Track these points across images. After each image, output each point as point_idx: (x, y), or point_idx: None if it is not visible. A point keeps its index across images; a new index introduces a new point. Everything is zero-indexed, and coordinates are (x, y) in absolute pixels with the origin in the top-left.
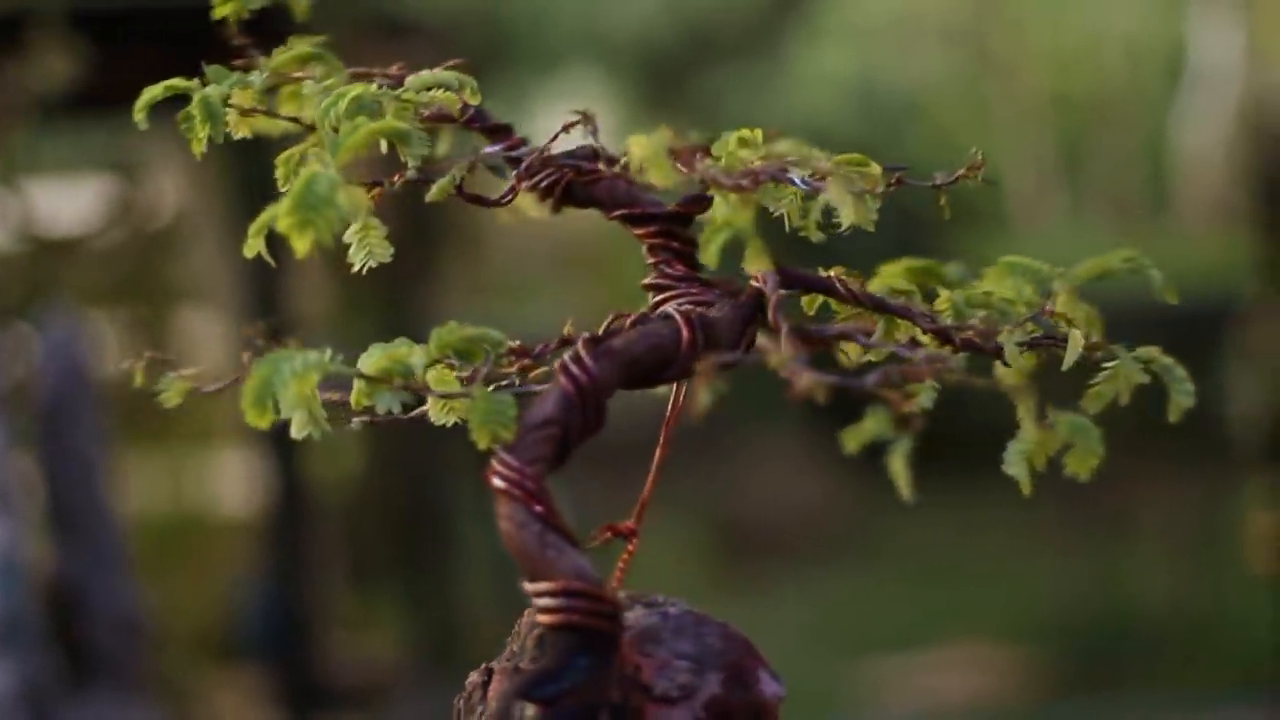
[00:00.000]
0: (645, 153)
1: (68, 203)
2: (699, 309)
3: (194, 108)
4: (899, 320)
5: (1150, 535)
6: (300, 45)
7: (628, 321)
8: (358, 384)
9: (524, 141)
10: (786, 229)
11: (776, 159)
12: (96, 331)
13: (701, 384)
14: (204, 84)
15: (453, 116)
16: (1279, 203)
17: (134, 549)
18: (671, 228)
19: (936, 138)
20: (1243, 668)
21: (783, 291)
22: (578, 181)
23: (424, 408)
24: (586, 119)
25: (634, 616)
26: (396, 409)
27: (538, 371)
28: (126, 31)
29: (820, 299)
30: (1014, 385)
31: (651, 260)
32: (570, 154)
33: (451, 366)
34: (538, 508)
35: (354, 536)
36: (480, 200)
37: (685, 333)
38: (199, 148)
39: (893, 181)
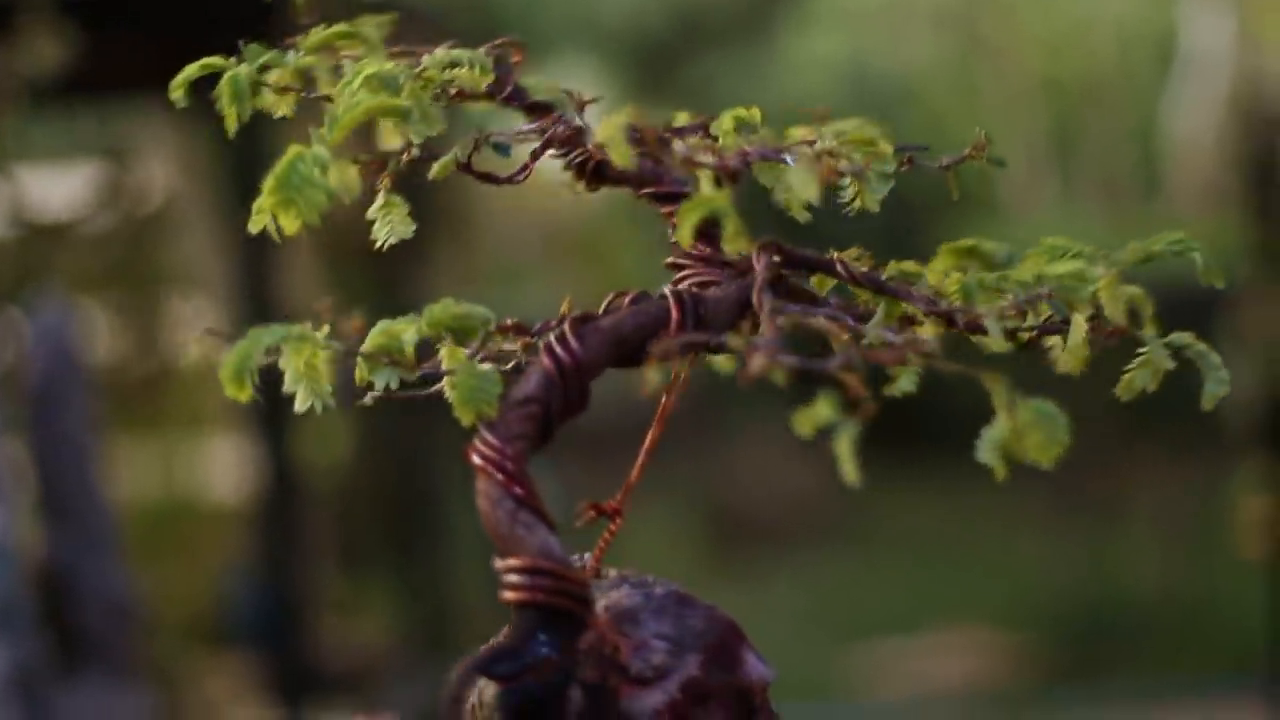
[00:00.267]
0: (606, 133)
1: (58, 188)
2: (694, 289)
3: (222, 86)
4: (900, 303)
5: (1142, 520)
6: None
7: (625, 301)
8: (360, 362)
9: (562, 120)
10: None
11: (770, 140)
12: (87, 317)
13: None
14: (240, 63)
15: (489, 94)
16: (1270, 187)
17: (125, 535)
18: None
19: (928, 122)
20: (1234, 652)
21: (785, 272)
22: (607, 160)
23: (431, 388)
24: (593, 100)
25: (618, 596)
26: (395, 385)
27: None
28: (116, 17)
29: (833, 282)
30: (989, 371)
31: (674, 239)
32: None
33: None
34: (512, 485)
35: (345, 522)
36: (491, 178)
37: (674, 312)
38: (231, 124)
39: (905, 161)
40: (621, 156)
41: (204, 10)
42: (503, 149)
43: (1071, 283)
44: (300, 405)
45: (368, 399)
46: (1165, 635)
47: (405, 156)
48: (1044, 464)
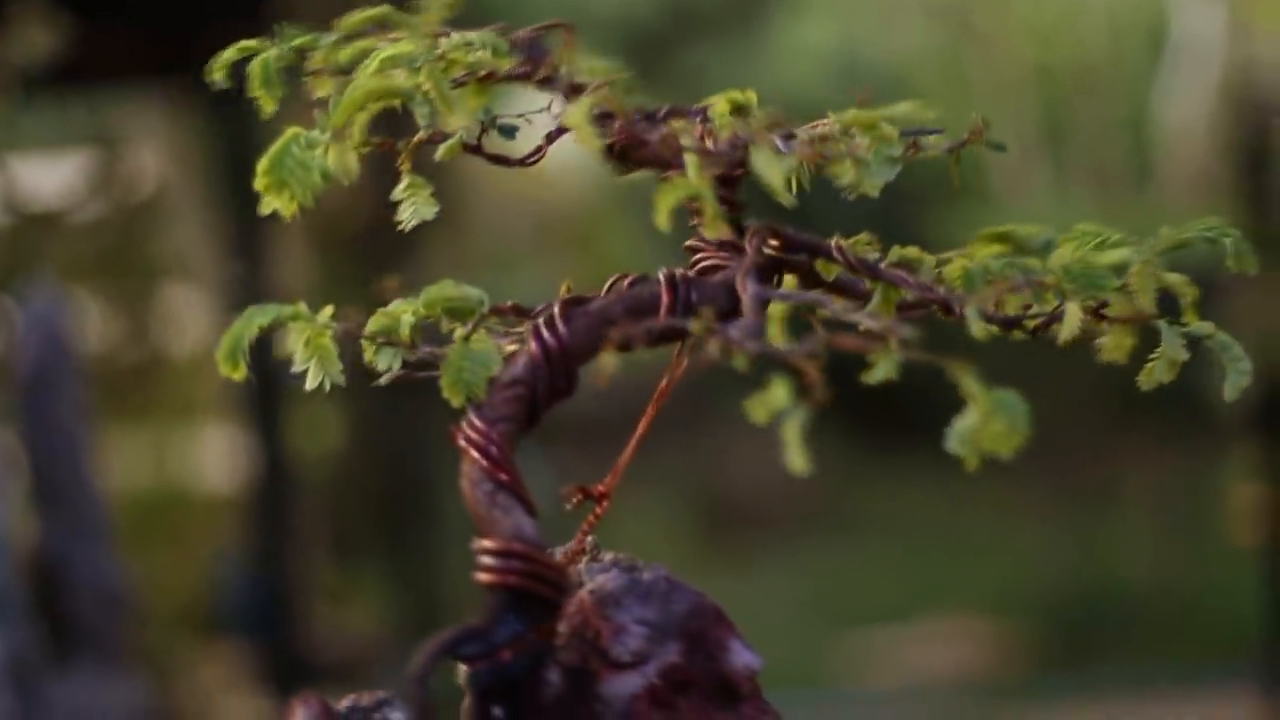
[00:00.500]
0: (572, 118)
1: (49, 177)
2: (692, 273)
3: (253, 69)
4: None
5: (1135, 508)
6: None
7: (625, 284)
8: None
9: (604, 103)
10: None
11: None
12: (78, 306)
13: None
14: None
15: (522, 76)
16: (1261, 175)
17: (117, 524)
18: (722, 191)
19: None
20: (1226, 640)
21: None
22: (631, 143)
23: (428, 372)
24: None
25: (605, 579)
26: (397, 366)
27: None
28: (107, 6)
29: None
30: (959, 361)
31: (694, 222)
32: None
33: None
34: (492, 467)
35: (337, 511)
36: (504, 160)
37: (664, 296)
38: (268, 108)
39: (911, 145)
40: (588, 139)
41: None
42: (508, 131)
43: (1093, 271)
44: (310, 384)
45: (383, 380)
46: (1158, 623)
47: (418, 139)
48: (1002, 454)
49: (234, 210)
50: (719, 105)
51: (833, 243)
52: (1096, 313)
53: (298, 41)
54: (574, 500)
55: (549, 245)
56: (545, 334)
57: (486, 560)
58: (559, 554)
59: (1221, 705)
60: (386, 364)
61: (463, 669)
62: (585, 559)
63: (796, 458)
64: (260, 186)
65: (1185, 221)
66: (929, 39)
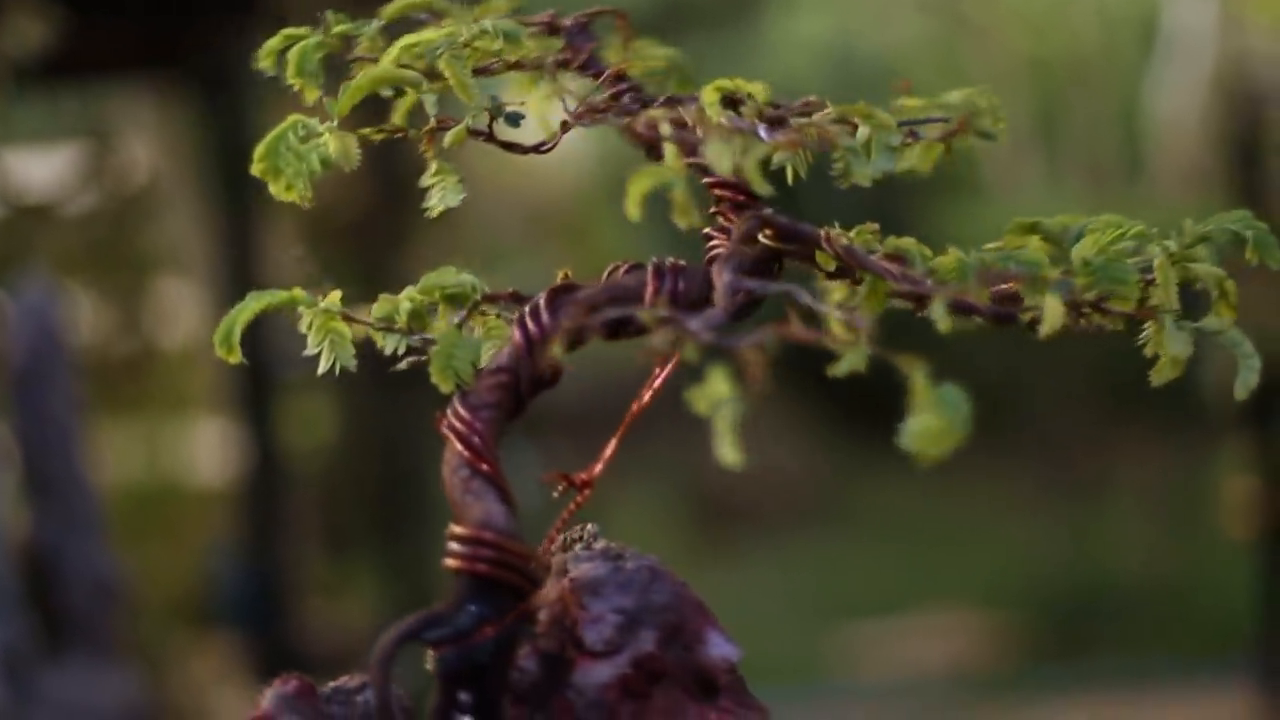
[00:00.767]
0: (535, 105)
1: (41, 169)
2: (676, 261)
3: (291, 57)
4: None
5: (1127, 501)
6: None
7: (621, 272)
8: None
9: (637, 89)
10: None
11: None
12: (71, 298)
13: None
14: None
15: (560, 63)
16: (1254, 167)
17: (109, 516)
18: (735, 179)
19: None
20: (1219, 633)
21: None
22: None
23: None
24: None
25: (588, 567)
26: (402, 350)
27: None
28: None
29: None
30: (907, 355)
31: (712, 210)
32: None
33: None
34: (469, 453)
35: (329, 504)
36: (515, 148)
37: (650, 284)
38: (312, 95)
39: (908, 134)
40: (545, 127)
41: None
42: (513, 118)
43: (1113, 265)
44: (322, 368)
45: (401, 365)
46: (1151, 616)
47: (429, 128)
48: (931, 456)
49: (226, 203)
50: (707, 94)
51: (822, 233)
52: (1097, 306)
53: (340, 29)
54: (560, 488)
55: (542, 238)
56: (529, 322)
57: (454, 546)
58: (559, 541)
59: (1214, 697)
60: (393, 350)
61: (431, 654)
62: (579, 546)
63: (727, 449)
64: (257, 171)
65: (1179, 213)
66: (922, 32)
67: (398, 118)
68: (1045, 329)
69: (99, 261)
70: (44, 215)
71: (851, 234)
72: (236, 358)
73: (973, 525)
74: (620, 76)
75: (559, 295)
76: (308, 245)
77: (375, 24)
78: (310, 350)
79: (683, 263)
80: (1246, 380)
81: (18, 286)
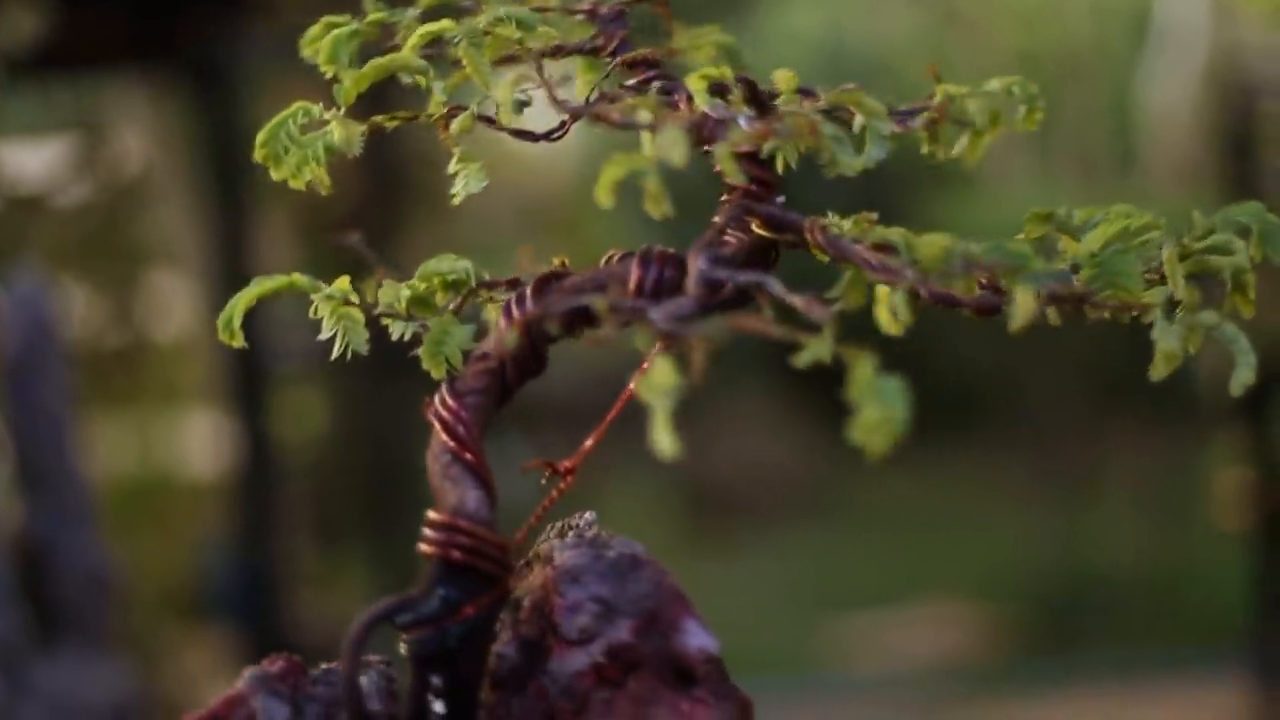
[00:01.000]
0: (500, 94)
1: (34, 161)
2: (664, 249)
3: (324, 44)
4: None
5: (1118, 493)
6: None
7: (615, 260)
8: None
9: (669, 76)
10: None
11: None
12: (63, 290)
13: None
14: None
15: (594, 49)
16: (1246, 160)
17: (102, 508)
18: (750, 168)
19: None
20: (1211, 625)
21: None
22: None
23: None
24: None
25: (571, 555)
26: (408, 336)
27: None
28: None
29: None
30: (852, 348)
31: (725, 198)
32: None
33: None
34: (451, 439)
35: (321, 496)
36: (527, 135)
37: (635, 273)
38: (349, 93)
39: (899, 122)
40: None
41: None
42: (519, 105)
43: (1118, 259)
44: (336, 353)
45: (420, 352)
46: (1142, 608)
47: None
48: (870, 451)
49: (218, 195)
50: (693, 82)
51: (806, 222)
52: (1088, 299)
53: (376, 16)
54: (545, 475)
55: (535, 231)
56: (514, 308)
57: (428, 531)
58: (556, 527)
59: (1206, 690)
60: (399, 336)
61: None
62: (572, 534)
63: (663, 439)
64: (258, 158)
65: (1171, 206)
66: (914, 25)
67: (433, 107)
68: (1015, 323)
69: (91, 253)
70: (36, 207)
71: (847, 223)
72: (239, 342)
73: (965, 518)
74: (649, 63)
75: (546, 282)
76: (300, 237)
77: (412, 12)
78: (324, 335)
79: (670, 251)
80: (1243, 377)
81: (10, 278)
